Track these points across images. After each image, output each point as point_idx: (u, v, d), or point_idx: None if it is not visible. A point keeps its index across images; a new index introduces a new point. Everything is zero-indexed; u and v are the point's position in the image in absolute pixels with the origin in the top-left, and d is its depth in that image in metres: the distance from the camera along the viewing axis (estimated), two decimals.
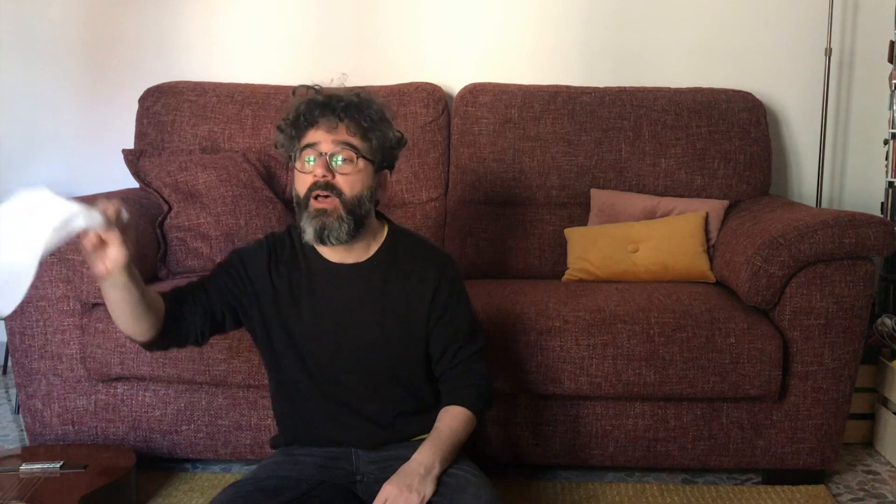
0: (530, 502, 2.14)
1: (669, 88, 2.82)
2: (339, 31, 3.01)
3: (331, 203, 1.61)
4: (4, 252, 1.29)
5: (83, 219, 1.32)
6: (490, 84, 2.82)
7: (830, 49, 2.86)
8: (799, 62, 2.96)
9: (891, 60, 2.84)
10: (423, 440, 1.64)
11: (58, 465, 2.00)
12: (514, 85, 2.82)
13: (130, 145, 2.82)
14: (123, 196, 2.51)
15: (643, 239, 2.51)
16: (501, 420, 2.19)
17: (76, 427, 2.26)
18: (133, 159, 2.59)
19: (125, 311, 1.55)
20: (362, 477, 1.70)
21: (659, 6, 2.96)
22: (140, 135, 2.80)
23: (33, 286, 2.19)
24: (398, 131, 1.72)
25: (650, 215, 2.62)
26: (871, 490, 2.25)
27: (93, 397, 2.24)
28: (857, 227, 2.09)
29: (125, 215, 1.43)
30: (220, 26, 3.03)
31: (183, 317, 1.66)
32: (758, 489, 2.21)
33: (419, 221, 2.72)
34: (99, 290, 2.15)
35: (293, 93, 1.71)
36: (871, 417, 2.53)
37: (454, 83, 2.93)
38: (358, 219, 1.63)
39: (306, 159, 1.63)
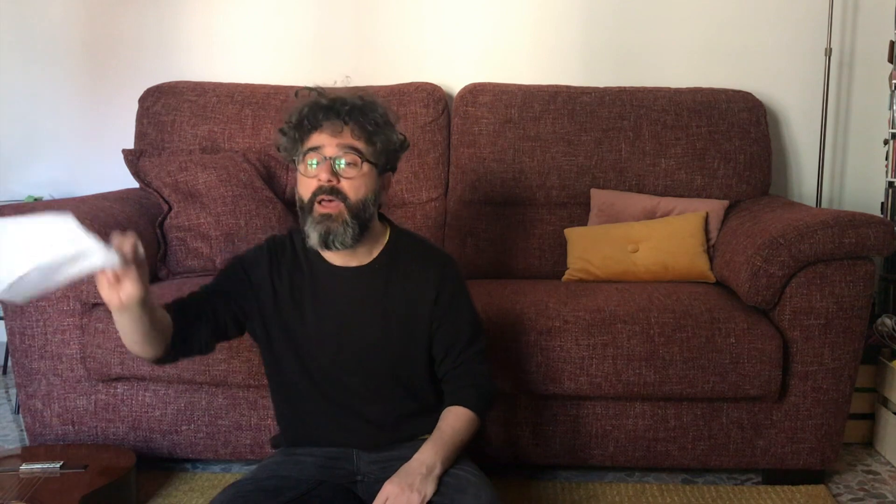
0: (530, 502, 2.14)
1: (669, 88, 2.82)
2: (339, 31, 3.02)
3: (335, 207, 1.60)
4: (4, 257, 1.27)
5: (101, 258, 1.30)
6: (490, 84, 2.82)
7: (830, 49, 2.86)
8: (799, 62, 2.96)
9: (891, 60, 2.84)
10: (424, 440, 1.64)
11: (58, 465, 2.00)
12: (514, 85, 2.82)
13: (130, 145, 2.82)
14: (123, 196, 2.51)
15: (643, 239, 2.51)
16: (501, 420, 2.19)
17: (76, 427, 2.26)
18: (133, 159, 2.59)
19: (136, 337, 1.53)
20: (363, 477, 1.70)
21: (659, 6, 2.96)
22: (140, 135, 2.80)
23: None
24: (401, 134, 1.71)
25: (650, 215, 2.62)
26: (871, 490, 2.25)
27: (93, 397, 2.24)
28: (857, 227, 2.09)
29: (141, 251, 1.41)
30: (220, 26, 3.03)
31: (189, 330, 1.64)
32: (758, 489, 2.21)
33: (419, 221, 2.72)
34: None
35: (295, 94, 1.70)
36: (871, 417, 2.53)
37: (454, 83, 2.93)
38: (363, 223, 1.63)
39: (310, 163, 1.62)
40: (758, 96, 2.82)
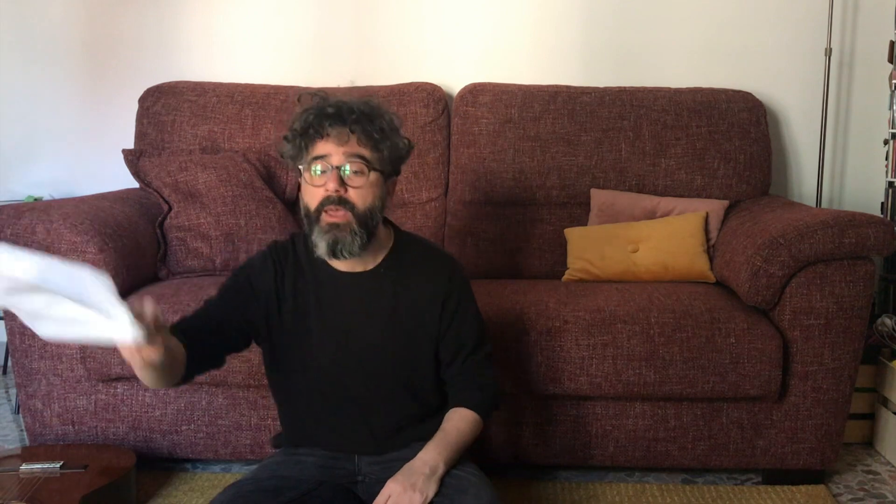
0: (530, 502, 2.14)
1: (669, 88, 2.82)
2: (339, 31, 3.02)
3: (343, 217, 1.58)
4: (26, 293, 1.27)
5: (127, 333, 1.28)
6: (490, 84, 2.82)
7: (830, 49, 2.86)
8: (799, 62, 2.96)
9: (891, 60, 2.84)
10: (425, 442, 1.64)
11: (58, 465, 2.00)
12: (514, 85, 2.82)
13: (130, 145, 2.82)
14: (123, 196, 2.51)
15: (643, 239, 2.51)
16: (501, 420, 2.19)
17: (76, 427, 2.26)
18: (133, 159, 2.59)
19: (155, 378, 1.50)
20: (364, 477, 1.70)
21: (659, 6, 2.96)
22: (140, 135, 2.81)
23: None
24: (406, 138, 1.69)
25: (650, 215, 2.62)
26: (871, 490, 2.25)
27: (93, 397, 2.24)
28: (857, 227, 2.09)
29: (160, 315, 1.37)
30: (220, 26, 3.03)
31: (201, 351, 1.62)
32: (758, 489, 2.21)
33: (419, 221, 2.72)
34: None
35: (298, 99, 1.68)
36: (871, 417, 2.53)
37: (454, 83, 2.93)
38: (370, 231, 1.61)
39: (314, 170, 1.59)
40: (758, 96, 2.82)
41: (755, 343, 2.10)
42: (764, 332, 2.12)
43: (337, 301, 1.68)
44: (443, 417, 1.70)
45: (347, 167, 1.58)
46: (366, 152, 1.59)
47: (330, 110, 1.59)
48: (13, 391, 2.88)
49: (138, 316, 1.29)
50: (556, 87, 2.81)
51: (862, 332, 2.15)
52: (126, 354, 1.35)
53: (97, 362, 2.17)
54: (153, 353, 1.34)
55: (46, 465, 2.00)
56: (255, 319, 1.68)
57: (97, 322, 1.26)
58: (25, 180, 3.10)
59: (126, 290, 2.23)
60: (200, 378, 2.13)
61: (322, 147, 1.59)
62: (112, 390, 2.24)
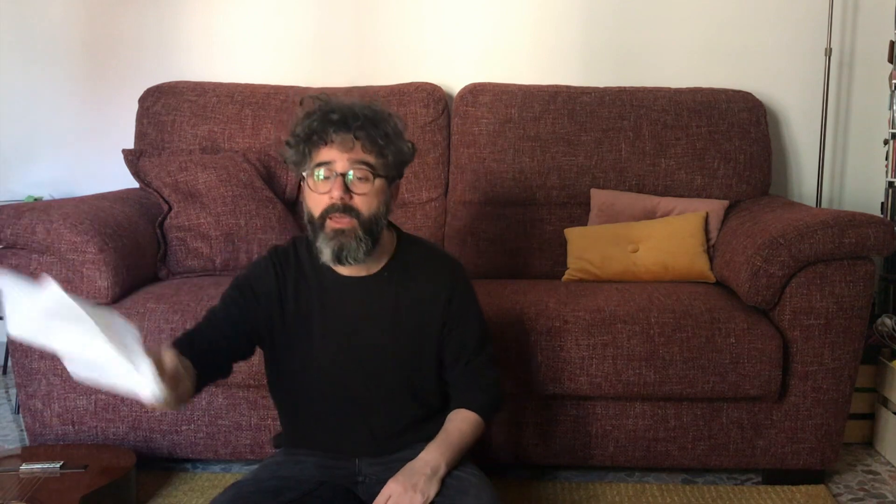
0: (531, 502, 2.14)
1: (669, 88, 2.82)
2: (339, 31, 3.02)
3: (348, 223, 1.56)
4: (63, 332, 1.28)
5: (152, 392, 1.28)
6: (490, 84, 2.82)
7: (830, 49, 2.86)
8: (799, 62, 2.96)
9: (891, 60, 2.84)
10: (426, 443, 1.64)
11: (58, 465, 2.00)
12: (514, 85, 2.82)
13: (130, 145, 2.82)
14: (123, 196, 2.51)
15: (643, 239, 2.51)
16: (502, 420, 2.18)
17: (76, 427, 2.25)
18: (133, 159, 2.59)
19: (171, 403, 1.48)
20: (364, 478, 1.70)
21: (659, 6, 2.96)
22: (140, 135, 2.81)
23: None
24: (410, 142, 1.68)
25: (650, 215, 2.62)
26: (871, 490, 2.25)
27: (93, 397, 2.24)
28: (857, 227, 2.09)
29: (180, 368, 1.37)
30: (220, 26, 3.03)
31: (209, 365, 1.61)
32: (758, 489, 2.21)
33: (419, 221, 2.72)
34: (99, 289, 2.16)
35: (300, 102, 1.66)
36: (871, 417, 2.53)
37: (454, 83, 2.93)
38: (375, 237, 1.60)
39: (317, 176, 1.57)
40: (758, 96, 2.82)
41: (755, 343, 2.10)
42: (764, 332, 2.12)
43: (340, 305, 1.67)
44: (444, 418, 1.70)
45: (352, 174, 1.56)
46: (370, 158, 1.58)
47: (334, 116, 1.56)
48: (13, 391, 2.88)
49: (157, 365, 1.29)
50: (556, 87, 2.81)
51: (862, 332, 2.15)
52: (145, 402, 1.34)
53: None
54: (173, 402, 1.35)
55: (46, 465, 2.00)
56: (259, 325, 1.68)
57: (124, 372, 1.27)
58: (25, 180, 3.10)
59: (126, 290, 2.24)
60: None
61: (326, 153, 1.57)
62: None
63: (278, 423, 1.84)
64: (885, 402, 2.48)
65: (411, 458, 1.60)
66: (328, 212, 1.57)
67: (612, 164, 2.71)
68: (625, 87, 2.82)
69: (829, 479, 2.30)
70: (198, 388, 1.56)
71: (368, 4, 3.00)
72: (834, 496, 2.20)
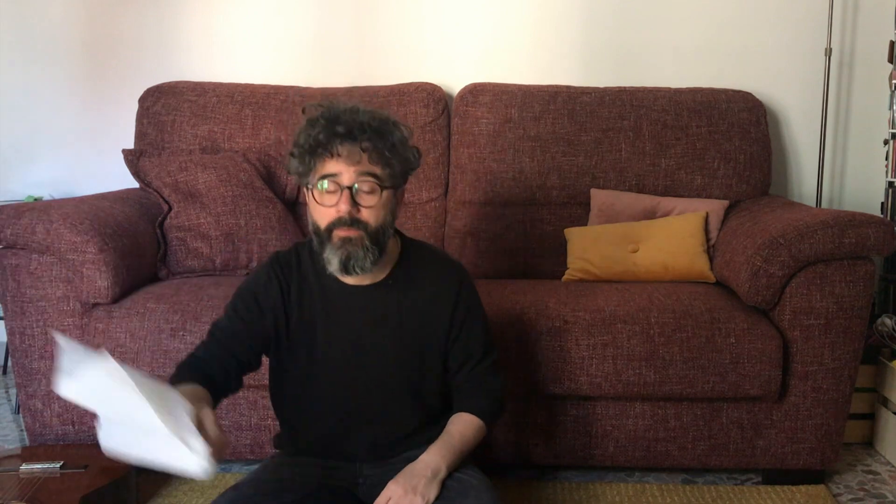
0: (531, 502, 2.14)
1: (669, 88, 2.82)
2: (339, 31, 3.02)
3: (356, 233, 1.54)
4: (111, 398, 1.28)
5: (203, 469, 1.26)
6: (490, 84, 2.82)
7: (830, 49, 2.86)
8: (799, 62, 2.96)
9: (891, 60, 2.84)
10: (427, 445, 1.63)
11: (58, 465, 2.00)
12: (514, 85, 2.82)
13: (130, 145, 2.82)
14: (123, 196, 2.51)
15: (643, 239, 2.51)
16: (502, 421, 2.17)
17: (76, 427, 2.25)
18: (133, 159, 2.59)
19: None
20: (364, 480, 1.70)
21: (659, 6, 2.96)
22: (140, 135, 2.81)
23: (35, 286, 2.19)
24: (415, 148, 1.65)
25: (650, 215, 2.62)
26: (871, 490, 2.25)
27: None
28: (857, 227, 2.09)
29: (223, 438, 1.36)
30: (220, 26, 3.03)
31: (222, 387, 1.61)
32: (758, 489, 2.21)
33: (419, 221, 2.72)
34: (99, 289, 2.16)
35: (303, 111, 1.61)
36: (871, 417, 2.53)
37: (454, 83, 2.93)
38: (382, 247, 1.58)
39: (321, 186, 1.54)
40: (758, 96, 2.82)
41: (755, 343, 2.10)
42: (764, 332, 2.12)
43: (344, 313, 1.66)
44: (446, 422, 1.70)
45: (362, 189, 1.54)
46: (377, 170, 1.55)
47: (340, 129, 1.52)
48: (13, 391, 2.88)
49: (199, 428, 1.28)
50: (556, 87, 2.81)
51: (862, 332, 2.15)
52: (191, 475, 1.32)
53: None
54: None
55: (46, 465, 2.00)
56: (266, 337, 1.66)
57: (175, 447, 1.25)
58: (25, 180, 3.10)
59: (126, 290, 2.24)
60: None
61: (332, 166, 1.54)
62: None
63: (278, 423, 1.84)
64: (885, 402, 2.48)
65: (413, 460, 1.60)
66: (335, 225, 1.54)
67: (612, 164, 2.71)
68: (625, 87, 2.82)
69: (829, 479, 2.30)
70: (214, 404, 1.57)
71: (368, 4, 3.00)
72: (834, 496, 2.20)
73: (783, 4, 2.94)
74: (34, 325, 2.22)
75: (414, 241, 1.76)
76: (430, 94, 2.80)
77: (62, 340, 1.27)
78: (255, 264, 2.50)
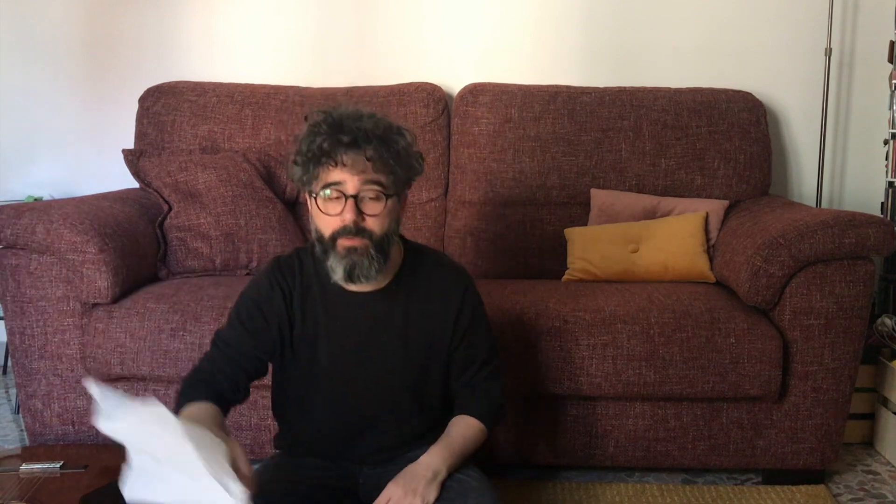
0: (531, 502, 2.14)
1: (669, 88, 2.82)
2: (339, 31, 3.01)
3: (360, 242, 1.53)
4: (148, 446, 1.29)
5: None
6: (490, 84, 2.82)
7: (830, 49, 2.86)
8: (799, 62, 2.96)
9: (891, 60, 2.84)
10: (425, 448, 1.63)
11: (58, 465, 2.00)
12: (514, 85, 2.82)
13: (130, 145, 2.82)
14: (123, 196, 2.51)
15: (643, 239, 2.51)
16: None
17: (76, 427, 2.25)
18: (133, 159, 2.59)
19: None
20: (365, 481, 1.70)
21: (659, 6, 2.96)
22: (140, 135, 2.80)
23: (35, 286, 2.19)
24: (418, 153, 1.63)
25: (650, 215, 2.62)
26: (871, 490, 2.25)
27: (93, 397, 2.24)
28: (857, 227, 2.09)
29: (252, 475, 1.36)
30: (220, 26, 3.03)
31: (231, 400, 1.62)
32: (758, 489, 2.21)
33: (419, 221, 2.72)
34: (99, 289, 2.16)
35: (305, 118, 1.60)
36: (871, 417, 2.53)
37: (454, 83, 2.93)
38: (386, 254, 1.57)
39: (324, 193, 1.53)
40: (758, 96, 2.82)
41: (755, 343, 2.10)
42: (764, 332, 2.12)
43: (347, 320, 1.65)
44: (446, 423, 1.70)
45: (366, 197, 1.53)
46: (382, 178, 1.53)
47: (345, 138, 1.51)
48: (13, 391, 2.88)
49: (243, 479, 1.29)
50: (556, 87, 2.81)
51: (862, 332, 2.15)
52: None
53: (97, 362, 2.17)
54: None
55: (46, 465, 1.99)
56: (272, 346, 1.65)
57: (213, 492, 1.26)
58: (25, 180, 3.10)
59: (126, 290, 2.23)
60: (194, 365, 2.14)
61: (336, 174, 1.52)
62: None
63: (278, 425, 1.84)
64: (885, 402, 2.48)
65: (413, 460, 1.60)
66: (339, 233, 1.53)
67: (612, 164, 2.71)
68: (625, 87, 2.82)
69: (829, 479, 2.30)
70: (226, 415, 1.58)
71: (368, 4, 3.00)
72: (834, 496, 2.20)
73: (783, 4, 2.94)
74: (34, 325, 2.22)
75: (416, 245, 1.75)
76: (430, 94, 2.80)
77: (96, 388, 1.27)
78: (255, 264, 2.50)
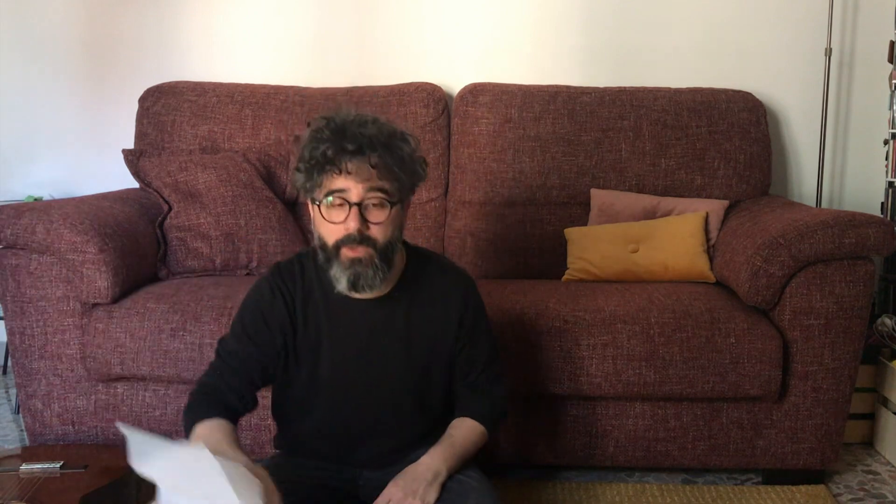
0: (531, 502, 2.14)
1: (669, 88, 2.82)
2: (339, 31, 3.01)
3: (364, 252, 1.52)
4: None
5: None
6: (490, 84, 2.82)
7: (830, 49, 2.86)
8: (799, 62, 2.96)
9: (891, 60, 2.84)
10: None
11: (58, 465, 2.00)
12: (514, 85, 2.82)
13: (130, 145, 2.82)
14: (123, 196, 2.51)
15: (643, 239, 2.51)
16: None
17: (76, 427, 2.25)
18: (133, 159, 2.59)
19: None
20: (364, 482, 1.70)
21: (659, 6, 2.96)
22: (140, 135, 2.80)
23: (35, 286, 2.20)
24: (422, 158, 1.62)
25: (650, 215, 2.62)
26: (871, 490, 2.25)
27: (93, 397, 2.24)
28: (857, 227, 2.09)
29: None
30: (220, 26, 3.03)
31: (242, 412, 1.62)
32: (758, 489, 2.21)
33: (419, 221, 2.72)
34: (99, 289, 2.16)
35: (308, 124, 1.57)
36: (871, 417, 2.53)
37: (454, 83, 2.93)
38: (390, 262, 1.57)
39: (327, 200, 1.52)
40: (758, 96, 2.82)
41: (755, 343, 2.10)
42: (764, 332, 2.12)
43: (350, 327, 1.64)
44: (447, 424, 1.70)
45: (370, 205, 1.52)
46: (386, 185, 1.52)
47: (349, 146, 1.49)
48: (13, 391, 2.88)
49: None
50: (556, 87, 2.81)
51: (862, 332, 2.15)
52: None
53: (97, 362, 2.17)
54: None
55: (46, 465, 2.00)
56: (277, 355, 1.64)
57: None
58: (25, 180, 3.10)
59: (126, 290, 2.23)
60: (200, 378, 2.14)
61: (341, 182, 1.51)
62: (112, 390, 2.24)
63: (279, 429, 1.83)
64: (885, 402, 2.48)
65: (414, 461, 1.60)
66: (343, 242, 1.52)
67: (612, 164, 2.71)
68: (625, 87, 2.82)
69: (829, 479, 2.30)
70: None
71: (368, 4, 3.00)
72: (834, 496, 2.20)
73: (783, 4, 2.94)
74: (34, 325, 2.22)
75: (418, 249, 1.74)
76: (430, 94, 2.80)
77: (128, 430, 1.29)
78: (255, 264, 2.50)
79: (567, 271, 2.57)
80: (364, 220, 1.52)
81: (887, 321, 2.55)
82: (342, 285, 1.55)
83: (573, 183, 2.71)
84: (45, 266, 2.19)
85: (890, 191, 2.81)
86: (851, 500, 2.20)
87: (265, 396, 2.14)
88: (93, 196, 2.48)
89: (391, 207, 1.54)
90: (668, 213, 2.61)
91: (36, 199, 2.90)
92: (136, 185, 2.62)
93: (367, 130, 1.52)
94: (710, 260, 2.49)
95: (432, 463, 1.58)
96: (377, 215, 1.53)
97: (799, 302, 2.13)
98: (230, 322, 2.09)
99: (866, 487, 2.27)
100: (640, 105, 2.75)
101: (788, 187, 3.03)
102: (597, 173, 2.71)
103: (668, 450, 2.20)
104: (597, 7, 2.97)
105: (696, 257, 2.47)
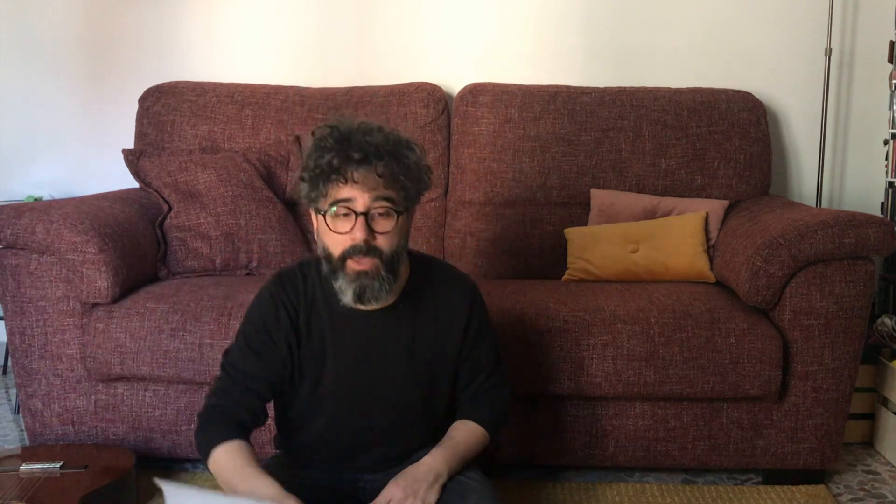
0: (531, 502, 2.14)
1: (669, 88, 2.82)
2: (339, 31, 3.01)
3: (370, 264, 1.51)
4: None
5: None
6: (490, 84, 2.82)
7: (830, 49, 2.86)
8: (799, 62, 2.96)
9: (891, 60, 2.84)
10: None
11: (58, 465, 2.00)
12: (514, 85, 2.82)
13: (130, 145, 2.82)
14: (123, 196, 2.51)
15: (643, 239, 2.51)
16: None
17: (76, 427, 2.25)
18: (133, 159, 2.59)
19: None
20: (365, 484, 1.69)
21: (659, 6, 2.96)
22: (140, 135, 2.81)
23: (35, 286, 2.20)
24: (427, 166, 1.60)
25: (650, 215, 2.62)
26: (871, 490, 2.25)
27: (93, 397, 2.24)
28: (857, 227, 2.09)
29: None
30: (220, 26, 3.03)
31: (254, 427, 1.62)
32: (758, 489, 2.21)
33: (419, 222, 2.72)
34: (99, 289, 2.16)
35: (312, 133, 1.56)
36: (871, 417, 2.53)
37: (454, 83, 2.93)
38: (396, 273, 1.56)
39: (332, 210, 1.50)
40: (758, 96, 2.82)
41: (755, 343, 2.10)
42: (764, 332, 2.12)
43: (354, 337, 1.63)
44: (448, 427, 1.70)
45: (376, 214, 1.50)
46: (392, 193, 1.51)
47: (356, 155, 1.47)
48: (13, 391, 2.88)
49: None
50: (556, 87, 2.81)
51: (862, 332, 2.15)
52: None
53: (97, 362, 2.17)
54: None
55: (46, 465, 2.00)
56: (283, 366, 1.63)
57: None
58: (25, 180, 3.10)
59: (126, 290, 2.24)
60: (200, 378, 2.15)
61: (347, 191, 1.49)
62: (112, 390, 2.24)
63: (280, 433, 1.83)
64: (885, 402, 2.48)
65: (416, 461, 1.60)
66: (349, 253, 1.51)
67: (612, 164, 2.71)
68: (625, 87, 2.82)
69: (829, 479, 2.30)
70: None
71: (368, 4, 3.00)
72: (834, 496, 2.20)
73: (783, 4, 2.94)
74: (34, 325, 2.22)
75: (421, 256, 1.73)
76: (430, 94, 2.80)
77: (165, 485, 1.29)
78: (255, 264, 2.50)
79: (567, 271, 2.57)
80: (370, 230, 1.50)
81: (887, 321, 2.55)
82: (348, 298, 1.54)
83: (573, 183, 2.71)
84: (45, 266, 2.19)
85: (890, 191, 2.81)
86: (851, 500, 2.20)
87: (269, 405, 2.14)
88: (93, 196, 2.48)
89: (398, 217, 1.52)
90: (668, 213, 2.61)
91: (36, 199, 2.90)
92: (136, 185, 2.62)
93: (372, 139, 1.50)
94: (710, 260, 2.49)
95: (433, 464, 1.58)
96: (384, 225, 1.51)
97: (799, 302, 2.13)
98: (230, 322, 2.11)
99: (866, 487, 2.27)
100: (640, 105, 2.75)
101: (788, 187, 3.03)
102: (597, 173, 2.71)
103: (668, 450, 2.20)
104: (597, 7, 2.97)
105: (696, 257, 2.47)
